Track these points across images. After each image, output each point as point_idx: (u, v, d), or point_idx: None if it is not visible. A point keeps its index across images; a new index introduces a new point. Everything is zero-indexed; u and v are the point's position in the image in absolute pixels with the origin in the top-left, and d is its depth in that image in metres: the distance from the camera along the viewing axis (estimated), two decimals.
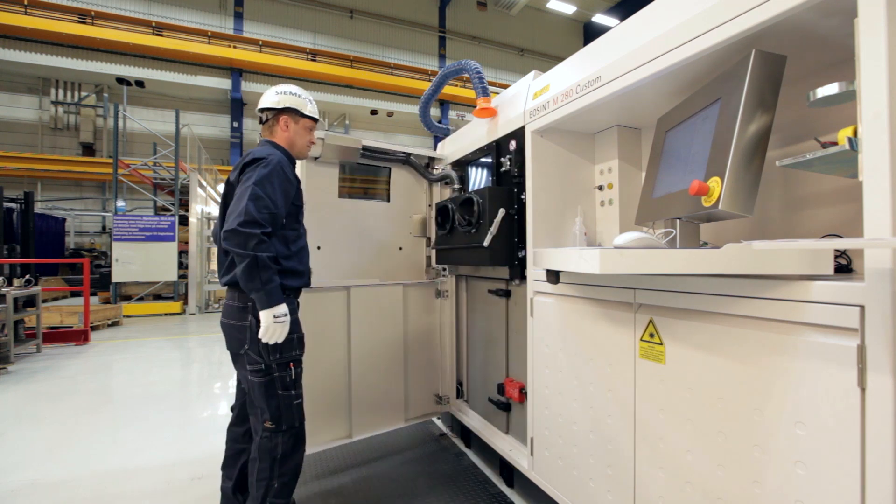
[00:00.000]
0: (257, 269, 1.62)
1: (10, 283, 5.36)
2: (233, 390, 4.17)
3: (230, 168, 14.53)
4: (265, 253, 1.64)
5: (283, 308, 1.69)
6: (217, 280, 10.51)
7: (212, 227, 10.95)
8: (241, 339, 1.78)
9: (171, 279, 9.09)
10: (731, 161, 1.13)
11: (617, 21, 17.92)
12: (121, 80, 13.55)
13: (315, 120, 2.06)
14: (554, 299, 1.90)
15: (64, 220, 13.93)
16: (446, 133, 3.29)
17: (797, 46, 1.21)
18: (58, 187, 14.35)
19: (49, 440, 3.00)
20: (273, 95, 2.00)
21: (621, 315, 1.54)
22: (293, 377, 1.81)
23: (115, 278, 8.65)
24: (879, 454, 0.88)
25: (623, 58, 1.51)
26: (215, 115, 15.59)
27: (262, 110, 2.00)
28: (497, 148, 2.41)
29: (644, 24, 1.49)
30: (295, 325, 1.81)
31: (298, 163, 2.43)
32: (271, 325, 1.66)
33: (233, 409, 2.06)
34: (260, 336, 1.69)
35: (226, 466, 2.01)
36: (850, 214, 1.30)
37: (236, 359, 1.88)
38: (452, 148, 2.98)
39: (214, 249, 11.15)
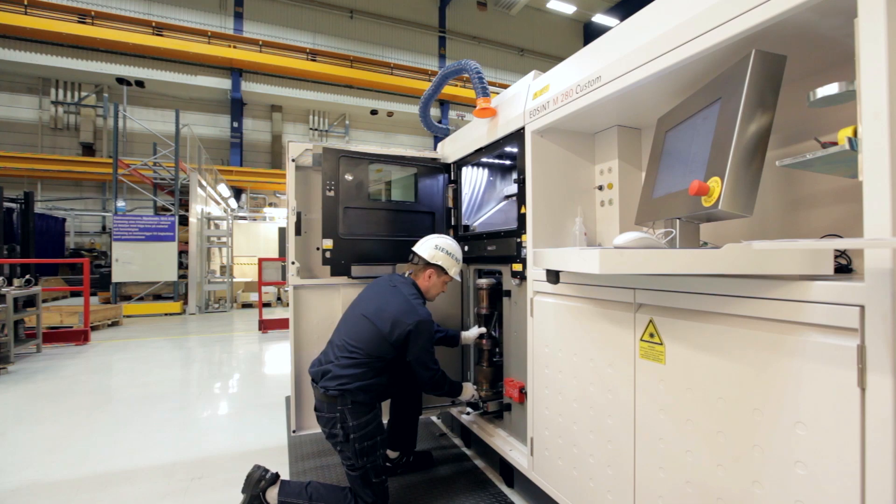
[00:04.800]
0: (450, 391, 2.29)
1: (10, 283, 5.35)
2: (232, 390, 4.19)
3: (230, 168, 14.56)
4: (446, 384, 2.24)
5: (466, 395, 2.41)
6: (217, 280, 10.48)
7: (211, 226, 10.95)
8: (334, 444, 2.03)
9: (171, 279, 9.08)
10: (731, 161, 1.13)
11: (617, 21, 17.92)
12: (121, 80, 13.55)
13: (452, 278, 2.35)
14: (554, 299, 1.90)
15: (64, 220, 13.92)
16: (446, 133, 3.29)
17: (797, 46, 1.21)
18: (58, 187, 14.34)
19: (49, 440, 3.00)
20: (431, 248, 2.28)
21: (621, 315, 1.54)
22: (382, 462, 2.04)
23: (115, 278, 8.65)
24: (879, 454, 0.88)
25: (623, 58, 1.51)
26: (215, 115, 15.58)
27: (415, 255, 2.32)
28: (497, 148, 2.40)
29: (644, 23, 1.49)
30: (378, 428, 2.03)
31: (291, 168, 2.66)
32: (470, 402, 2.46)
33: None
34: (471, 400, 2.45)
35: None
36: (850, 214, 1.30)
37: None
38: (452, 148, 2.98)
39: (214, 250, 11.18)
